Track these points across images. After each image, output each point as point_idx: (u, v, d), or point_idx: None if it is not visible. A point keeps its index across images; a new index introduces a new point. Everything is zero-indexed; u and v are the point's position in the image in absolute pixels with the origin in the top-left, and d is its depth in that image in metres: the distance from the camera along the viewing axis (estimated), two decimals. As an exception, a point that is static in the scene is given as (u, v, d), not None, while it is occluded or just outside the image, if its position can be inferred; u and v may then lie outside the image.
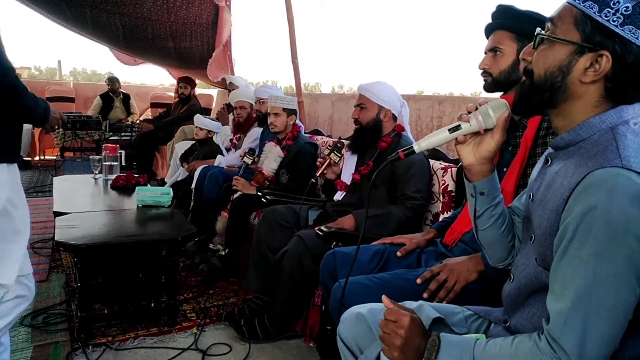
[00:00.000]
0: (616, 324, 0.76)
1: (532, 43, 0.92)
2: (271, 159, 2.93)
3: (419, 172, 2.02)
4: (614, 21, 0.79)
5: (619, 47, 0.79)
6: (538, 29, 0.90)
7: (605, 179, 0.75)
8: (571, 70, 0.84)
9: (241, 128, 3.66)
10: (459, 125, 1.00)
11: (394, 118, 2.20)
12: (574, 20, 0.83)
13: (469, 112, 1.01)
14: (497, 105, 0.98)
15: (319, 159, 2.32)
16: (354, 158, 2.28)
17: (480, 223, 1.08)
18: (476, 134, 1.01)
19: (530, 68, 0.92)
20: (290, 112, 2.93)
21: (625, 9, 0.78)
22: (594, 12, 0.80)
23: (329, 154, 2.15)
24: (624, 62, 0.80)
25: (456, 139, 1.02)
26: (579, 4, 0.83)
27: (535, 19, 1.40)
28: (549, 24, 0.89)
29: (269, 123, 2.95)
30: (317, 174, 2.17)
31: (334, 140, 2.87)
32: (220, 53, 4.71)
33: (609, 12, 0.79)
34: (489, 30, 1.51)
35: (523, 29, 1.42)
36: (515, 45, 1.45)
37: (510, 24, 1.46)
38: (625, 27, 0.78)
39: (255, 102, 3.49)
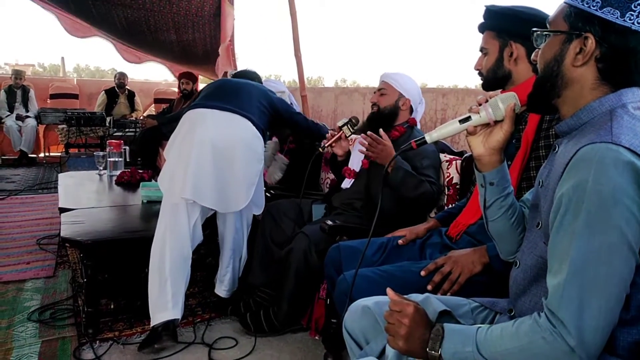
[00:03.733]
0: (612, 296, 0.77)
1: (534, 42, 0.96)
2: (276, 167, 2.84)
3: (433, 164, 2.00)
4: (593, 6, 0.85)
5: (600, 28, 0.85)
6: (534, 29, 0.95)
7: (595, 152, 0.78)
8: (564, 58, 0.90)
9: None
10: (469, 116, 1.04)
11: (410, 110, 2.19)
12: (563, 14, 0.90)
13: (480, 105, 1.04)
14: (506, 98, 1.01)
15: (330, 131, 2.25)
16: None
17: (490, 214, 1.10)
18: (486, 125, 1.04)
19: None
20: None
21: None
22: (578, 2, 0.87)
23: (341, 126, 2.07)
24: (608, 41, 0.85)
25: (467, 130, 1.05)
26: None
27: (508, 15, 1.42)
28: (547, 25, 0.95)
29: None
30: (326, 145, 2.11)
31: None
32: (225, 48, 4.69)
33: None
34: (482, 32, 1.52)
35: (500, 25, 1.44)
36: (497, 43, 1.46)
37: (492, 23, 1.47)
38: (605, 9, 0.84)
39: None
